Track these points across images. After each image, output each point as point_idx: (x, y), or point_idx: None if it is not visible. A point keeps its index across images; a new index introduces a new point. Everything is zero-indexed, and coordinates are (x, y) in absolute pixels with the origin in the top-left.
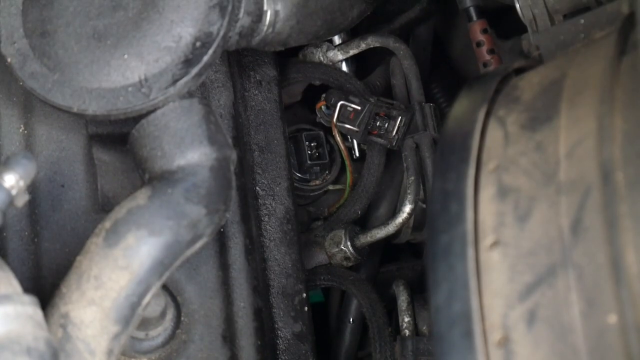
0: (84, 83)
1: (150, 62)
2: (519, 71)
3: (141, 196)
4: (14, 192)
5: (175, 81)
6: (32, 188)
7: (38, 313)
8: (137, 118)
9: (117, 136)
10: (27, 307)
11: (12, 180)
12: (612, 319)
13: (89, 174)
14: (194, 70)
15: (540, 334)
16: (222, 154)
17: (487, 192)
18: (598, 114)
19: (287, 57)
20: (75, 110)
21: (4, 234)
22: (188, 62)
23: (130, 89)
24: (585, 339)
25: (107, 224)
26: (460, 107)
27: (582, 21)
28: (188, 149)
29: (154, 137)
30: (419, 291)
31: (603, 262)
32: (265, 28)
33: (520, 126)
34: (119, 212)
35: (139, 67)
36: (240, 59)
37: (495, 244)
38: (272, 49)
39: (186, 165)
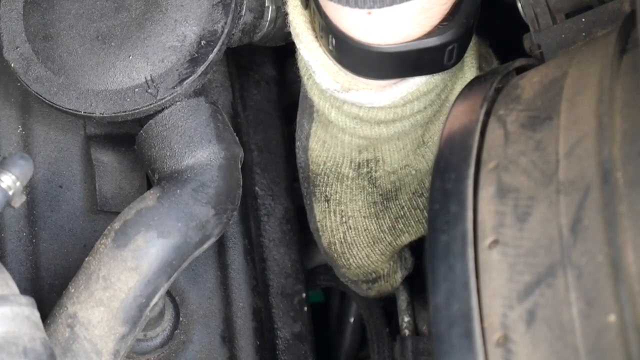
0: (89, 85)
1: (155, 63)
2: (520, 70)
3: (150, 197)
4: (10, 192)
5: (182, 80)
6: (30, 189)
7: (35, 314)
8: (141, 119)
9: (115, 136)
10: (24, 308)
11: (9, 180)
12: (612, 318)
13: (87, 175)
14: (200, 69)
15: (540, 333)
16: (231, 152)
17: (487, 192)
18: (597, 113)
19: (287, 57)
20: (82, 113)
21: (2, 235)
22: (194, 61)
23: (137, 89)
24: (585, 339)
25: (116, 225)
26: (460, 105)
27: (584, 20)
28: (197, 147)
29: (162, 137)
30: (419, 291)
31: (602, 261)
32: (267, 24)
33: (520, 125)
34: (128, 213)
35: (144, 67)
36: (239, 59)
37: (494, 243)
38: (273, 44)
39: (195, 164)
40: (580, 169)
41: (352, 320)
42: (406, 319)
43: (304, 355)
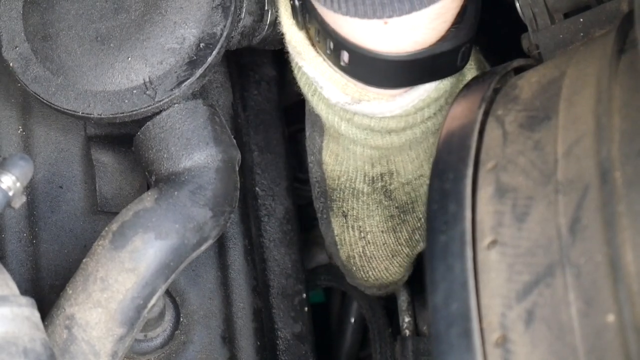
0: (88, 86)
1: (154, 64)
2: (518, 70)
3: (148, 199)
4: (10, 193)
5: (180, 83)
6: (31, 189)
7: (35, 314)
8: (139, 120)
9: (115, 137)
10: (24, 309)
11: (9, 181)
12: (610, 318)
13: (87, 175)
14: (199, 71)
15: (538, 333)
16: (228, 154)
17: (485, 192)
18: (596, 112)
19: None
20: (80, 114)
21: (3, 236)
22: (192, 63)
23: (135, 91)
24: (583, 339)
25: (114, 226)
26: (458, 106)
27: (582, 20)
28: (194, 150)
29: (159, 139)
30: (419, 291)
31: (601, 261)
32: (266, 27)
33: (518, 125)
34: (126, 214)
35: (143, 69)
36: (239, 59)
37: (493, 243)
38: (272, 47)
39: (192, 166)
40: (579, 168)
41: (353, 320)
42: (407, 319)
43: (304, 356)
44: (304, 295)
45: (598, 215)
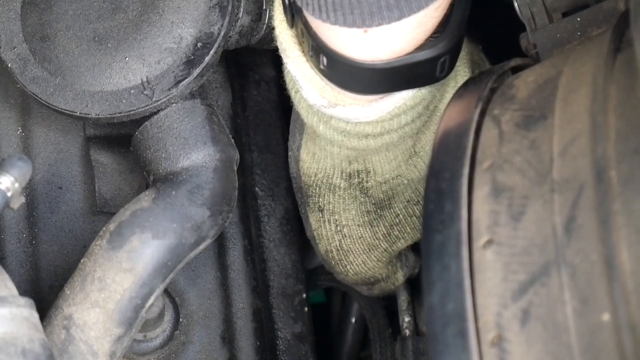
0: (85, 86)
1: (152, 64)
2: (516, 70)
3: (145, 198)
4: (9, 194)
5: (177, 82)
6: (30, 190)
7: (34, 315)
8: (138, 120)
9: (114, 138)
10: (23, 309)
11: (8, 182)
12: (605, 317)
13: (87, 176)
14: (196, 71)
15: (534, 332)
16: (226, 154)
17: (481, 191)
18: (591, 111)
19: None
20: (78, 114)
21: (2, 236)
22: (190, 63)
23: (132, 91)
24: (579, 338)
25: (112, 226)
26: (454, 105)
27: (579, 19)
28: (192, 150)
29: (157, 139)
30: (419, 291)
31: (596, 260)
32: (264, 27)
33: (514, 125)
34: (123, 214)
35: (140, 69)
36: (238, 59)
37: (489, 243)
38: (271, 47)
39: (190, 166)
40: (575, 167)
41: (353, 320)
42: (407, 318)
43: (304, 356)
44: (304, 295)
45: (593, 214)
